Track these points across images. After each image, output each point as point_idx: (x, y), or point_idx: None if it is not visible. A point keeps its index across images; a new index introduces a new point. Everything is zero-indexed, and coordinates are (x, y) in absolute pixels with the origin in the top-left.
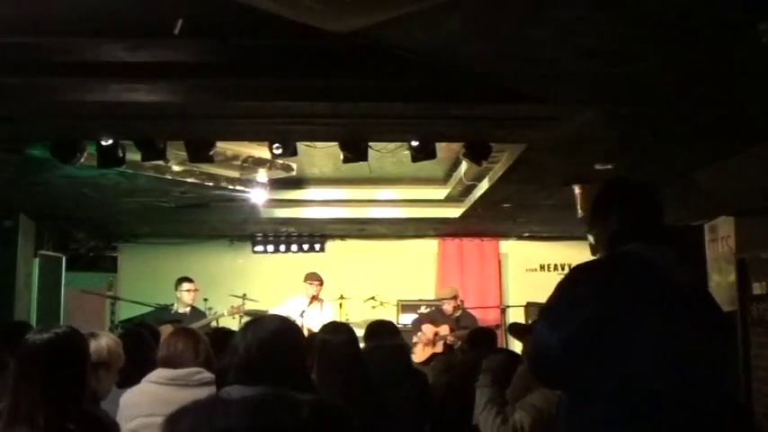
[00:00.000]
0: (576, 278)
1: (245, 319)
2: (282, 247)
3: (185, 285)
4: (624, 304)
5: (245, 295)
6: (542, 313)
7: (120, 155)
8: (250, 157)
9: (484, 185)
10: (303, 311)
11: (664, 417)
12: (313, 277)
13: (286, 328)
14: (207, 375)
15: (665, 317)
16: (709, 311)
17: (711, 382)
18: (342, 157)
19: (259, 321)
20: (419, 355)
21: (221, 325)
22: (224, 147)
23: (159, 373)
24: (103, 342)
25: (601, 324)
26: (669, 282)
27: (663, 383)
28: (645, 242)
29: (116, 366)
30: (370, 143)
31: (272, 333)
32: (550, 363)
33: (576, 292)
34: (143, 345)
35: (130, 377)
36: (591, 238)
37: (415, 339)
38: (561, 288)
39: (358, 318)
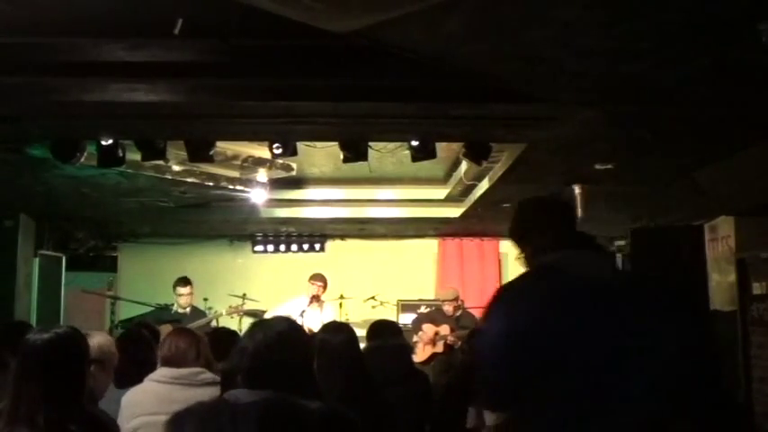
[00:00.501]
0: (500, 297)
1: (245, 318)
2: (282, 247)
3: (180, 290)
4: (548, 313)
5: (244, 295)
6: (477, 335)
7: (120, 155)
8: (250, 156)
9: (484, 185)
10: (303, 311)
11: (607, 418)
12: (317, 278)
13: (292, 329)
14: (210, 376)
15: (590, 318)
16: (643, 304)
17: (659, 374)
18: (342, 157)
19: (266, 323)
20: (420, 354)
21: (221, 325)
22: (224, 147)
23: (162, 372)
24: (95, 341)
25: (531, 338)
26: (591, 283)
27: (600, 384)
28: (564, 249)
29: (110, 365)
30: (370, 143)
31: (280, 334)
32: (495, 387)
33: (502, 310)
34: (143, 344)
35: (130, 377)
36: (519, 262)
37: (415, 339)
38: (488, 309)
39: (358, 318)
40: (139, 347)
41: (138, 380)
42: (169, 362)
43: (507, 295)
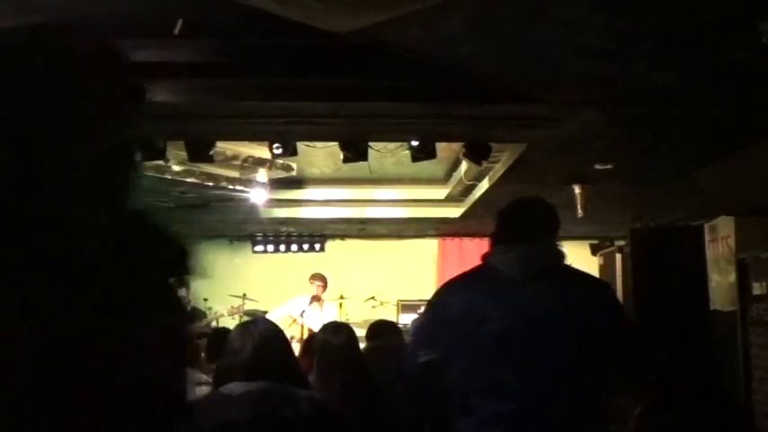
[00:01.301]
0: (436, 292)
1: (246, 318)
2: (282, 247)
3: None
4: (462, 301)
5: (244, 295)
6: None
7: None
8: (250, 157)
9: (484, 185)
10: (303, 311)
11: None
12: (317, 278)
13: (278, 328)
14: (204, 376)
15: (494, 305)
16: (544, 297)
17: (550, 362)
18: (342, 157)
19: (255, 323)
20: None
21: (221, 325)
22: (224, 147)
23: None
24: None
25: (445, 321)
26: (502, 279)
27: (491, 371)
28: (497, 248)
29: None
30: (370, 143)
31: (271, 332)
32: (419, 365)
33: (432, 301)
34: None
35: None
36: None
37: None
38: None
39: (358, 318)
40: None
41: None
42: None
43: (440, 290)
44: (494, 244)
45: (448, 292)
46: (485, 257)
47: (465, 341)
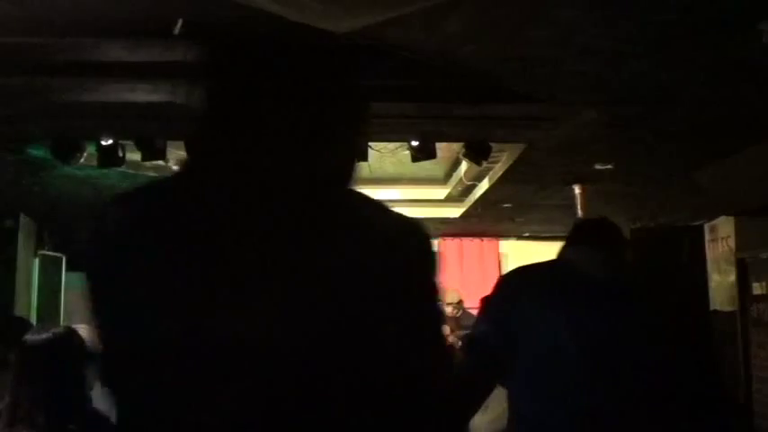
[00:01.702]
0: (506, 274)
1: None
2: None
3: None
4: (528, 292)
5: None
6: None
7: (120, 155)
8: None
9: (484, 185)
10: None
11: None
12: None
13: None
14: None
15: (564, 306)
16: (619, 302)
17: (619, 365)
18: None
19: None
20: None
21: None
22: None
23: None
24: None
25: (509, 308)
26: (582, 278)
27: (548, 363)
28: (576, 246)
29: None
30: (370, 143)
31: None
32: (479, 342)
33: (500, 283)
34: None
35: None
36: None
37: None
38: (496, 281)
39: None
40: None
41: None
42: None
43: (510, 274)
44: (569, 245)
45: (519, 287)
46: (561, 254)
47: (528, 341)
